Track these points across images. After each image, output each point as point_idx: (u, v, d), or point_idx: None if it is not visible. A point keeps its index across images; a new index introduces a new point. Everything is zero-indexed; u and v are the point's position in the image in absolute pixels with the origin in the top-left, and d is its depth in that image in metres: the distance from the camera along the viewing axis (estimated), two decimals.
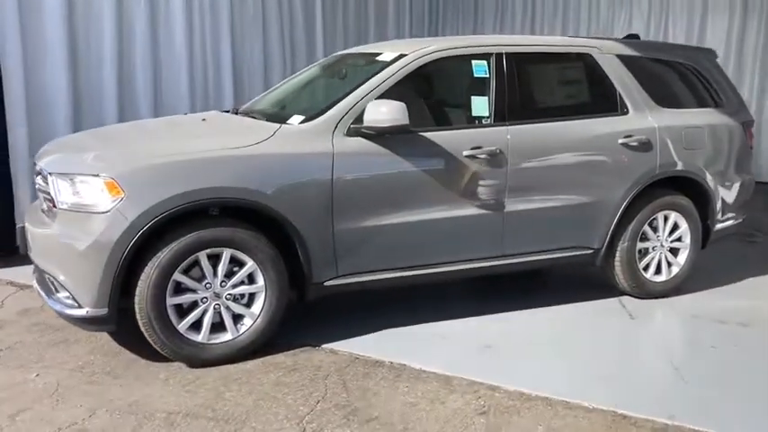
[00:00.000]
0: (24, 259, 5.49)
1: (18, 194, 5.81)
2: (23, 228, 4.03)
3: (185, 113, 6.84)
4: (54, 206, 3.75)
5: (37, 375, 3.70)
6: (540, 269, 5.45)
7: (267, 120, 4.29)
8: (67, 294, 3.66)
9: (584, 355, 4.12)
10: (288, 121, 4.12)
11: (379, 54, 4.56)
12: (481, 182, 4.33)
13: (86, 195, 3.62)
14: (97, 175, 3.58)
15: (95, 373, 3.73)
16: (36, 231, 3.87)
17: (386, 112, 3.92)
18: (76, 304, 3.62)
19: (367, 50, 4.98)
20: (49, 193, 3.81)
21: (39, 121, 5.96)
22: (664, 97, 5.04)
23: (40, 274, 3.88)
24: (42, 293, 3.93)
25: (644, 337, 4.43)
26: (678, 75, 5.27)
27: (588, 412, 3.38)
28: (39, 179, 4.07)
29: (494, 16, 12.19)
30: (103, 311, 3.59)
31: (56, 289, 3.76)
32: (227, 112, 4.91)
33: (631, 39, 5.49)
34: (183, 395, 3.50)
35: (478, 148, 4.30)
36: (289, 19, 8.56)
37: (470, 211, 4.33)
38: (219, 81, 7.62)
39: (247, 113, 4.69)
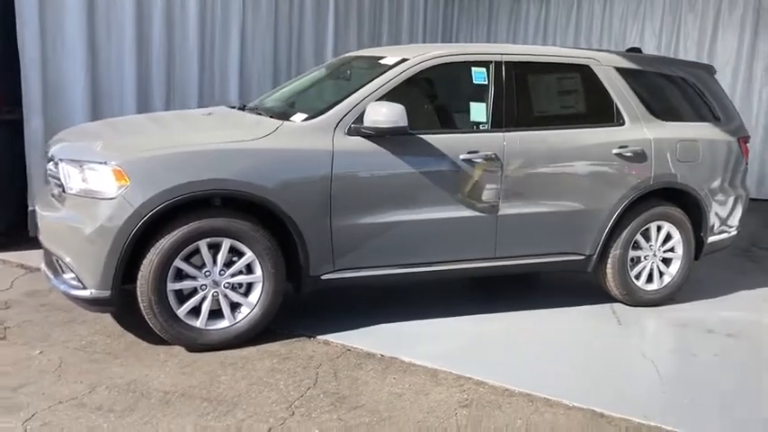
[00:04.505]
0: (35, 243, 5.74)
1: (32, 182, 6.00)
2: (33, 212, 4.18)
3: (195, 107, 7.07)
4: (63, 191, 3.91)
5: (41, 352, 3.87)
6: (535, 272, 5.59)
7: (271, 117, 4.44)
8: (73, 276, 3.82)
9: (568, 356, 4.24)
10: (291, 119, 4.28)
11: (382, 57, 4.71)
12: (476, 185, 4.46)
13: (94, 182, 3.78)
14: (105, 163, 3.74)
15: (97, 353, 3.90)
16: (45, 215, 4.03)
17: (385, 114, 4.07)
18: (81, 285, 3.78)
19: (371, 54, 5.12)
20: (59, 179, 3.98)
21: (55, 112, 6.14)
22: (660, 110, 5.15)
23: (48, 256, 4.05)
24: (49, 275, 4.10)
25: (628, 343, 4.54)
26: (675, 88, 5.39)
27: (567, 409, 3.51)
28: (50, 165, 4.24)
29: (507, 25, 12.33)
30: (106, 293, 3.75)
31: (62, 270, 3.93)
32: (234, 107, 5.07)
33: (633, 52, 5.61)
34: (180, 377, 3.66)
35: (475, 152, 4.43)
36: (298, 24, 8.69)
37: (465, 212, 4.46)
38: (226, 80, 7.75)
39: (253, 110, 4.85)
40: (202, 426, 3.19)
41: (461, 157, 4.40)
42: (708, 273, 6.06)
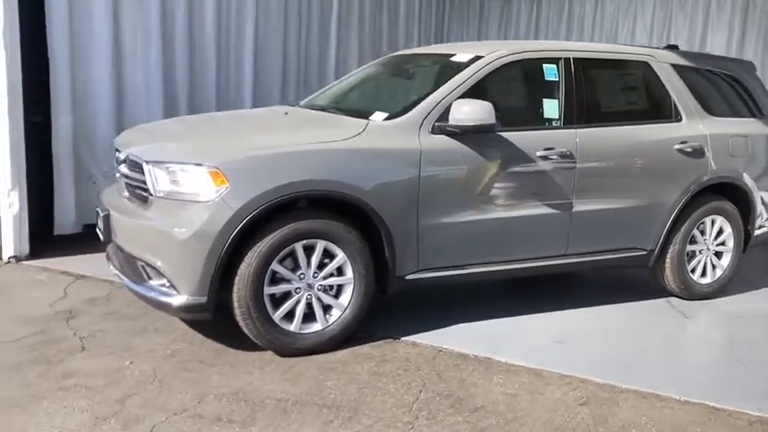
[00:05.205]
0: (67, 247, 5.61)
1: (60, 182, 5.79)
2: (107, 216, 4.00)
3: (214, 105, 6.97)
4: (149, 194, 3.75)
5: (131, 363, 3.70)
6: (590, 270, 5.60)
7: (347, 115, 4.35)
8: (164, 282, 3.67)
9: (651, 350, 4.26)
10: (370, 117, 4.19)
11: (447, 55, 4.67)
12: (552, 182, 4.46)
13: (187, 184, 3.64)
14: (200, 165, 3.60)
15: (188, 361, 3.75)
16: (126, 219, 3.87)
17: (473, 111, 4.02)
18: (175, 292, 3.63)
19: (433, 51, 5.09)
20: (141, 182, 3.82)
21: (82, 112, 5.95)
22: (712, 106, 5.24)
23: (131, 262, 3.86)
24: (127, 281, 3.93)
25: (701, 335, 4.63)
26: (723, 85, 5.48)
27: (681, 404, 3.52)
28: (123, 167, 4.07)
29: (498, 26, 12.38)
30: (203, 299, 3.61)
31: (148, 276, 3.76)
32: (293, 106, 4.96)
33: (671, 49, 5.68)
34: (285, 383, 3.54)
35: (551, 149, 4.43)
36: (306, 25, 8.56)
37: (543, 210, 4.46)
38: (240, 84, 7.59)
39: (321, 109, 4.75)
40: None
41: (538, 153, 4.39)
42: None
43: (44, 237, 5.70)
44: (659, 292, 5.26)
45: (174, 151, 3.81)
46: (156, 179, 3.72)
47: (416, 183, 4.02)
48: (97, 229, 4.23)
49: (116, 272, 4.10)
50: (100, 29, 5.95)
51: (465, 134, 4.12)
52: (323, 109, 4.75)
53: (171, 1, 6.58)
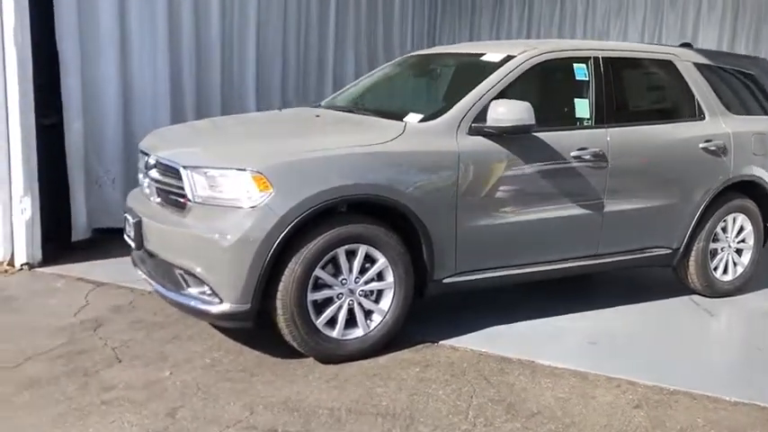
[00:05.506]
0: (78, 253, 5.53)
1: (74, 187, 5.65)
2: (138, 222, 3.88)
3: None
4: (187, 200, 3.64)
5: (170, 373, 3.59)
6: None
7: (378, 117, 4.28)
8: (204, 289, 3.57)
9: (687, 349, 4.26)
10: (404, 119, 4.12)
11: (480, 55, 4.61)
12: (586, 182, 4.43)
13: (228, 189, 3.54)
14: (243, 170, 3.50)
15: (229, 371, 3.65)
16: (161, 226, 3.76)
17: (511, 112, 3.97)
18: (217, 300, 3.53)
19: (458, 51, 5.02)
20: (177, 187, 3.71)
21: (91, 114, 5.81)
22: (732, 104, 5.25)
23: (167, 269, 3.75)
24: (160, 288, 3.83)
25: (732, 334, 4.65)
26: (741, 83, 5.49)
27: (734, 405, 3.50)
28: (153, 172, 3.96)
29: (490, 25, 12.35)
30: (246, 307, 3.52)
31: (187, 284, 3.66)
32: (318, 106, 4.87)
33: (685, 47, 5.69)
34: (333, 391, 3.47)
35: (584, 149, 4.40)
36: (305, 26, 8.48)
37: (576, 210, 4.42)
38: (244, 84, 7.48)
39: (349, 110, 4.66)
40: None
41: (572, 154, 4.36)
42: None
43: (55, 242, 5.54)
44: (679, 290, 5.26)
45: (214, 156, 3.70)
46: (195, 184, 3.60)
47: (455, 185, 3.96)
48: (126, 236, 4.12)
49: (146, 278, 3.99)
50: (107, 29, 5.82)
51: (501, 135, 4.07)
52: (350, 110, 4.66)
53: (177, 1, 6.46)
